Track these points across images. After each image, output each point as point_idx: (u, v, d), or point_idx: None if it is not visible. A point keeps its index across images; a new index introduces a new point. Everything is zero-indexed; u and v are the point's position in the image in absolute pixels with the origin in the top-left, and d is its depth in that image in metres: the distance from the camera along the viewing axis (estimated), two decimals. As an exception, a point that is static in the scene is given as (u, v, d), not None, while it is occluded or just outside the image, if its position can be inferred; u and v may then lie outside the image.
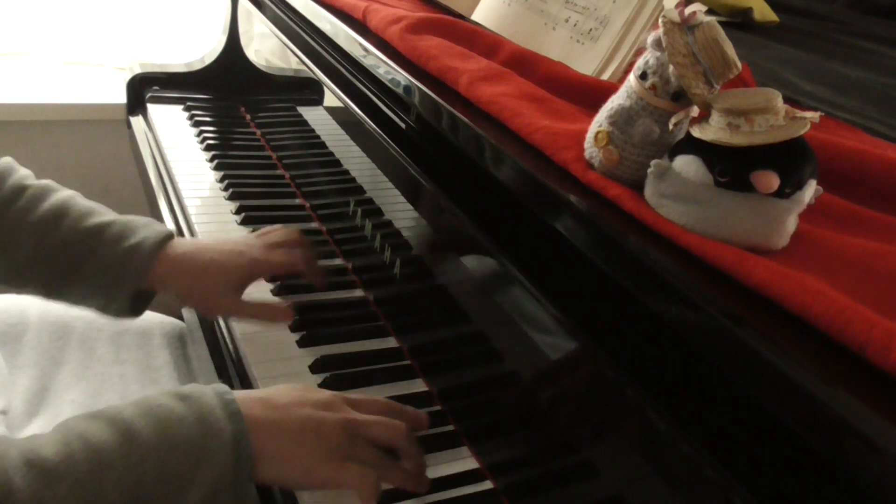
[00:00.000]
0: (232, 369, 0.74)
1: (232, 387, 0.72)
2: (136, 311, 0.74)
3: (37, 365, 0.81)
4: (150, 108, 1.31)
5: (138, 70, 1.34)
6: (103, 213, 0.73)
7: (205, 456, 0.50)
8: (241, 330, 0.77)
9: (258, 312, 0.74)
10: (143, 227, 0.72)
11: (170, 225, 0.98)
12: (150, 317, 0.99)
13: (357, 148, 0.89)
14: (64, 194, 0.74)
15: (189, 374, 0.87)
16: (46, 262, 0.70)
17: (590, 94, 0.70)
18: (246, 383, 0.71)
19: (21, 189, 0.73)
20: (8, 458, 0.45)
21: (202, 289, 0.72)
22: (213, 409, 0.52)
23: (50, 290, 0.73)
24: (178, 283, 0.72)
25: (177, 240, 0.73)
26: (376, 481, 0.56)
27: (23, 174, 0.75)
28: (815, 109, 0.47)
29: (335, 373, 0.72)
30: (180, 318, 1.07)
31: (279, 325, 0.77)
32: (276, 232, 0.80)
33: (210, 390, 0.54)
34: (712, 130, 0.45)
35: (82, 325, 0.89)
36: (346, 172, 0.93)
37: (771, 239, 0.45)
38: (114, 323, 0.90)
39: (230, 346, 0.77)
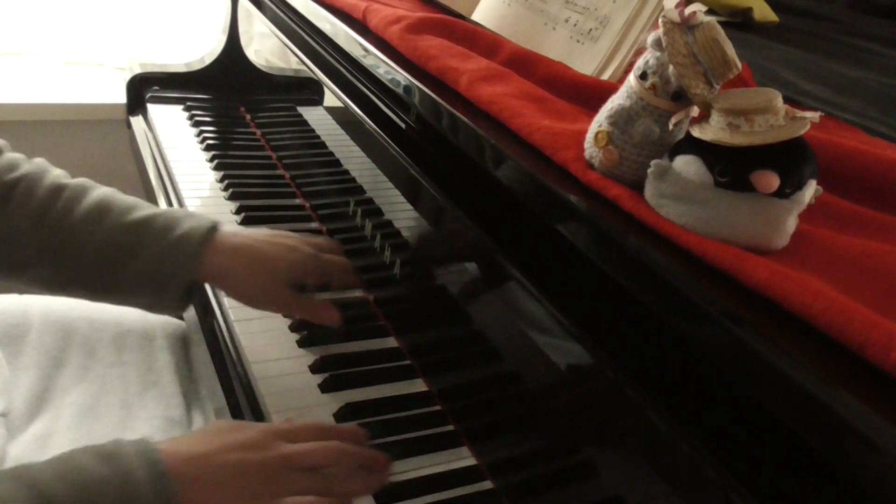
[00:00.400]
0: (232, 370, 0.74)
1: (232, 388, 0.72)
2: (185, 305, 0.73)
3: (38, 366, 0.81)
4: (150, 108, 1.31)
5: (138, 70, 1.34)
6: (145, 207, 0.72)
7: None
8: (240, 331, 0.77)
9: (311, 310, 0.73)
10: (187, 218, 0.71)
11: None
12: (151, 318, 0.98)
13: (357, 148, 0.89)
14: (103, 191, 0.72)
15: (190, 376, 0.87)
16: (93, 261, 0.69)
17: (590, 94, 0.70)
18: (246, 384, 0.71)
19: (58, 189, 0.71)
20: None
21: (258, 281, 0.70)
22: (136, 471, 0.50)
23: (96, 290, 0.71)
24: (231, 275, 0.70)
25: (224, 230, 0.72)
26: None
27: (58, 174, 0.73)
28: (815, 109, 0.47)
29: (335, 373, 0.72)
30: (181, 318, 1.07)
31: (327, 322, 0.74)
32: (319, 238, 0.78)
33: (134, 450, 0.52)
34: (712, 130, 0.45)
35: (84, 326, 0.88)
36: (346, 172, 0.93)
37: (771, 239, 0.45)
38: (116, 324, 0.90)
39: (230, 347, 0.77)
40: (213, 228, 0.70)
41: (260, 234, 0.74)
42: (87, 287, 0.71)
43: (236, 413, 0.72)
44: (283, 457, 0.55)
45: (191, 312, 0.88)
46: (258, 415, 0.68)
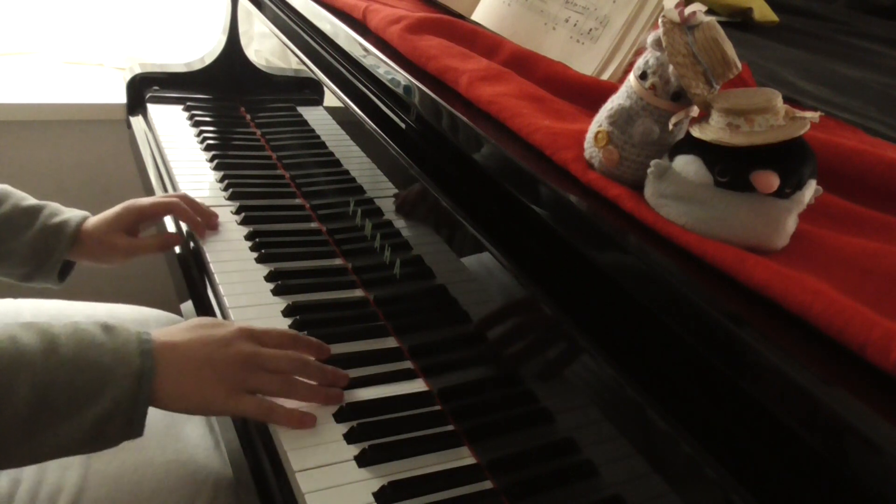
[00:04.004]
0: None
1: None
2: (61, 279, 0.91)
3: None
4: (150, 108, 1.31)
5: (138, 70, 1.34)
6: (34, 199, 0.91)
7: (110, 382, 0.58)
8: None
9: (150, 245, 0.93)
10: (67, 210, 0.91)
11: (170, 226, 0.98)
12: (146, 312, 0.99)
13: (357, 148, 0.89)
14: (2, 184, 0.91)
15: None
16: None
17: (590, 94, 0.70)
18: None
19: None
20: None
21: (100, 243, 0.89)
22: (129, 344, 0.60)
23: None
24: (87, 251, 0.90)
25: (91, 218, 0.92)
26: (270, 411, 0.63)
27: None
28: (815, 109, 0.47)
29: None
30: (178, 313, 1.07)
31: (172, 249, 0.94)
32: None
33: (133, 330, 0.62)
34: (712, 130, 0.45)
35: None
36: (346, 172, 0.93)
37: (771, 239, 0.45)
38: (109, 318, 0.90)
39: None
40: (84, 218, 0.91)
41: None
42: None
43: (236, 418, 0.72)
44: (249, 354, 0.64)
45: (189, 308, 0.88)
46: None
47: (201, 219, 0.94)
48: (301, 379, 0.67)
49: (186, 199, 0.95)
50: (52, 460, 0.59)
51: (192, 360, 0.63)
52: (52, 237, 0.87)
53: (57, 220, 0.89)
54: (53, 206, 0.91)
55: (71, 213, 0.91)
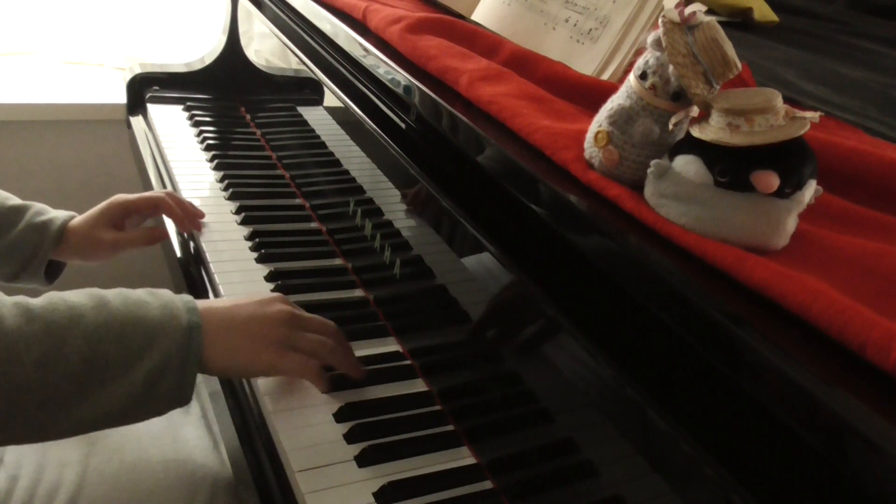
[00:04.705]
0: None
1: (236, 393, 0.72)
2: (49, 279, 0.92)
3: None
4: (150, 108, 1.31)
5: (138, 70, 1.34)
6: (19, 199, 0.91)
7: (160, 335, 0.59)
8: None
9: (136, 239, 0.93)
10: (53, 211, 0.92)
11: (171, 226, 0.99)
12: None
13: (357, 148, 0.89)
14: None
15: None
16: None
17: (590, 94, 0.70)
18: (250, 386, 0.71)
19: None
20: (1, 299, 0.56)
21: (85, 239, 0.90)
22: (175, 302, 0.63)
23: None
24: (73, 249, 0.90)
25: (77, 218, 0.92)
26: (316, 368, 0.67)
27: None
28: (815, 109, 0.47)
29: (335, 373, 0.72)
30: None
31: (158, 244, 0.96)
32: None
33: (177, 295, 0.64)
34: (712, 130, 0.45)
35: None
36: (346, 172, 0.93)
37: (771, 239, 0.45)
38: None
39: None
40: (70, 218, 0.91)
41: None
42: None
43: (235, 409, 0.72)
44: (289, 313, 0.67)
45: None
46: (258, 416, 0.68)
47: (186, 217, 0.94)
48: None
49: (172, 195, 0.95)
50: (97, 431, 0.60)
51: (235, 318, 0.65)
52: (37, 235, 0.88)
53: (42, 218, 0.89)
54: (39, 206, 0.91)
55: (56, 213, 0.91)
